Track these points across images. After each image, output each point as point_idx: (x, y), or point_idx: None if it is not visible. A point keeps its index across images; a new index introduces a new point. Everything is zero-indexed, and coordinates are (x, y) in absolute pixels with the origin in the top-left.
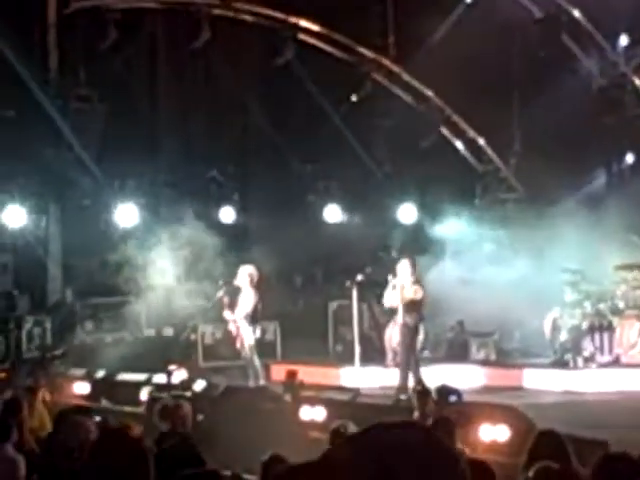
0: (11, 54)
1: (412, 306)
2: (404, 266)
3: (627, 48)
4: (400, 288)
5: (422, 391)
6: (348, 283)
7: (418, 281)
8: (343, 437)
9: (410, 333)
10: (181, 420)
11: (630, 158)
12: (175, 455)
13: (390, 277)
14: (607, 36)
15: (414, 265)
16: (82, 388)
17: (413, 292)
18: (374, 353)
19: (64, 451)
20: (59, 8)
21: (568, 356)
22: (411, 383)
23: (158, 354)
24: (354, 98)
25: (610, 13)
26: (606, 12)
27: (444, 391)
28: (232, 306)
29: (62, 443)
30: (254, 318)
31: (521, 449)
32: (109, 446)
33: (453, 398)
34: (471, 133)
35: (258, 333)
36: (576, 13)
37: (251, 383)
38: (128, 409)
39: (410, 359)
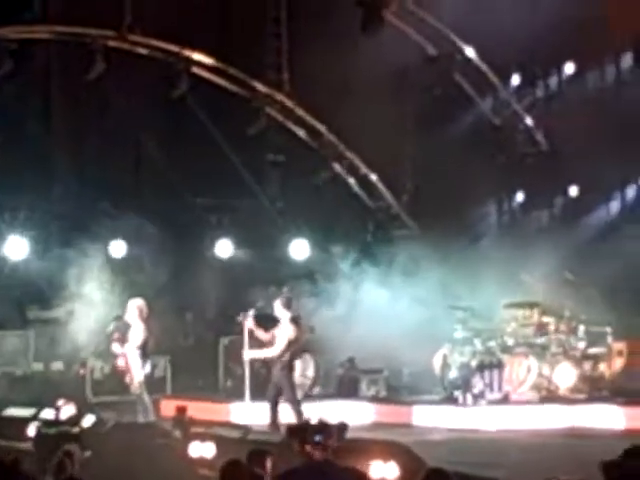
0: None
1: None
2: (277, 306)
3: (519, 87)
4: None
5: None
6: (240, 318)
7: (294, 320)
8: (232, 475)
9: (288, 370)
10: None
11: (520, 196)
12: None
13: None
14: (500, 75)
15: (287, 305)
16: None
17: (287, 329)
18: (264, 389)
19: None
20: None
21: (458, 393)
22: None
23: (47, 388)
24: (249, 132)
25: (503, 53)
26: (499, 52)
27: (342, 427)
28: (123, 340)
29: None
30: (144, 352)
31: None
32: None
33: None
34: (363, 169)
35: (148, 368)
36: (470, 52)
37: (140, 419)
38: (15, 445)
39: (294, 395)
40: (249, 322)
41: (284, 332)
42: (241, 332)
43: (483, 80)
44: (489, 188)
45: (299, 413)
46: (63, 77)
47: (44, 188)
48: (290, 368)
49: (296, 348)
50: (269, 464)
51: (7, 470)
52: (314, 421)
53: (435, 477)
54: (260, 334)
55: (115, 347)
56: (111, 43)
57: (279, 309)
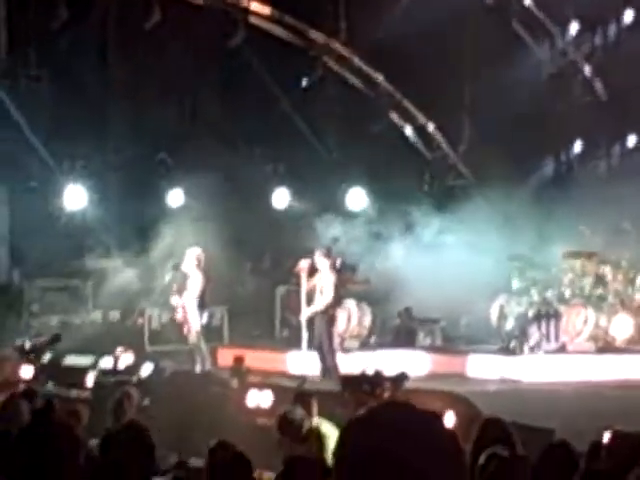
0: None
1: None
2: (316, 254)
3: (577, 36)
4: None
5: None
6: (297, 267)
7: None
8: (290, 423)
9: (332, 318)
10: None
11: (578, 146)
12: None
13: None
14: (557, 23)
15: (327, 255)
16: (27, 372)
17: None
18: None
19: (4, 436)
20: None
21: (514, 343)
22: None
23: (105, 337)
24: (304, 83)
25: (560, 1)
26: (557, 0)
27: (400, 377)
28: (180, 291)
29: (4, 428)
30: (202, 302)
31: (467, 436)
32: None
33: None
34: (421, 119)
35: (205, 318)
36: (527, 1)
37: (198, 368)
38: (74, 393)
39: (332, 345)
40: (304, 271)
41: (327, 281)
42: (297, 282)
43: (540, 29)
44: (547, 138)
45: (334, 364)
46: (119, 27)
47: (100, 138)
48: (332, 318)
49: (339, 294)
50: (314, 407)
51: (48, 422)
52: (370, 371)
53: (492, 426)
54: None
55: (174, 299)
56: None
57: (319, 259)
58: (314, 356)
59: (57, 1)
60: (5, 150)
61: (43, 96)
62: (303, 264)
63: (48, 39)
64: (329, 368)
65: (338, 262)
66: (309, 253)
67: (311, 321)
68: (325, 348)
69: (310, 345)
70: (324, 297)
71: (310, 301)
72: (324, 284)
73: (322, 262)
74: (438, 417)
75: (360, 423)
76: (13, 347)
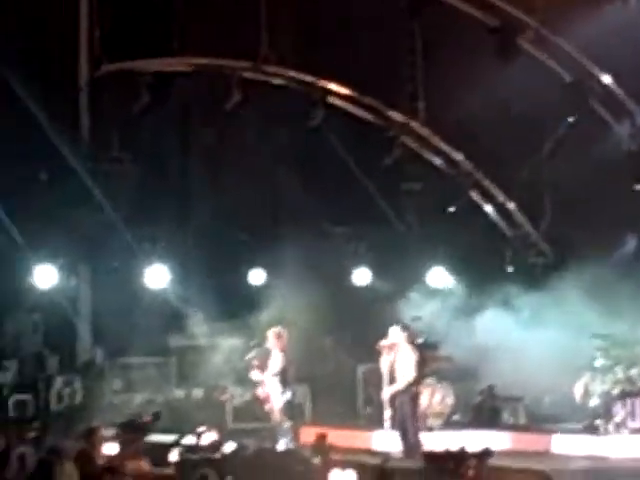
0: (43, 116)
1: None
2: (396, 332)
3: None
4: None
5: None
6: (379, 345)
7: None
8: None
9: (415, 396)
10: None
11: None
12: None
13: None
14: (637, 101)
15: (405, 330)
16: (112, 449)
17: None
18: None
19: None
20: (91, 70)
21: (599, 422)
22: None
23: (188, 415)
24: (385, 162)
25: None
26: (636, 77)
27: (485, 453)
28: (262, 368)
29: None
30: (284, 380)
31: None
32: None
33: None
34: (501, 197)
35: (288, 395)
36: (606, 78)
37: (281, 445)
38: (157, 470)
39: (414, 423)
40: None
41: (407, 356)
42: (379, 360)
43: (620, 106)
44: (628, 215)
45: (417, 441)
46: (200, 110)
47: (182, 219)
48: (415, 395)
49: (421, 371)
50: None
51: None
52: (453, 449)
53: None
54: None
55: (255, 374)
56: (247, 74)
57: (397, 335)
58: (397, 434)
59: (139, 84)
60: (88, 231)
61: (125, 178)
62: (384, 342)
63: (130, 122)
64: (412, 446)
65: (419, 340)
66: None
67: (393, 399)
68: (408, 426)
69: (392, 423)
70: (405, 375)
71: (392, 379)
72: (404, 362)
73: (401, 339)
74: None
75: None
76: (117, 425)
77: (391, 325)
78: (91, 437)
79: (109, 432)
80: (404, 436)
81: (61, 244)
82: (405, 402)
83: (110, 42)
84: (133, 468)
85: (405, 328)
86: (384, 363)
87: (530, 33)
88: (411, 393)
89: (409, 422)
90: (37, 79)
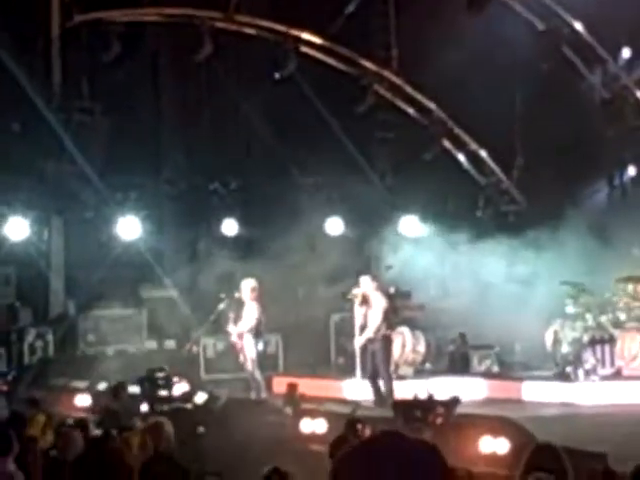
0: (15, 67)
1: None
2: (365, 282)
3: (629, 61)
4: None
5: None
6: (350, 295)
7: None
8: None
9: (388, 344)
10: (164, 440)
11: (632, 170)
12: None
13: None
14: (609, 49)
15: (376, 278)
16: (83, 400)
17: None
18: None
19: (60, 464)
20: (62, 21)
21: (569, 369)
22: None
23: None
24: (358, 110)
25: (612, 26)
26: (608, 25)
27: (453, 401)
28: (236, 320)
29: (59, 456)
30: (257, 331)
31: (520, 462)
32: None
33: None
34: (473, 145)
35: (261, 346)
36: (578, 26)
37: (253, 396)
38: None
39: (387, 370)
40: (356, 299)
41: (376, 305)
42: (351, 309)
43: (592, 54)
44: (600, 163)
45: (390, 390)
46: (172, 59)
47: (154, 169)
48: (387, 342)
49: (392, 320)
50: (366, 434)
51: (102, 450)
52: (422, 396)
53: (544, 452)
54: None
55: (230, 327)
56: (219, 24)
57: (367, 284)
58: (369, 383)
59: (110, 35)
60: (60, 182)
61: (97, 129)
62: (355, 291)
63: (101, 73)
64: (385, 393)
65: (391, 289)
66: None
67: (364, 348)
68: (381, 374)
69: (364, 372)
70: (376, 323)
71: (363, 329)
72: (375, 311)
73: (371, 288)
74: (431, 447)
75: (354, 452)
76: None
77: (362, 275)
78: (118, 394)
79: (82, 384)
80: (376, 385)
81: (33, 196)
82: (377, 350)
83: None
84: None
85: (375, 277)
86: (357, 313)
87: None
88: (383, 342)
89: (382, 370)
90: (8, 30)
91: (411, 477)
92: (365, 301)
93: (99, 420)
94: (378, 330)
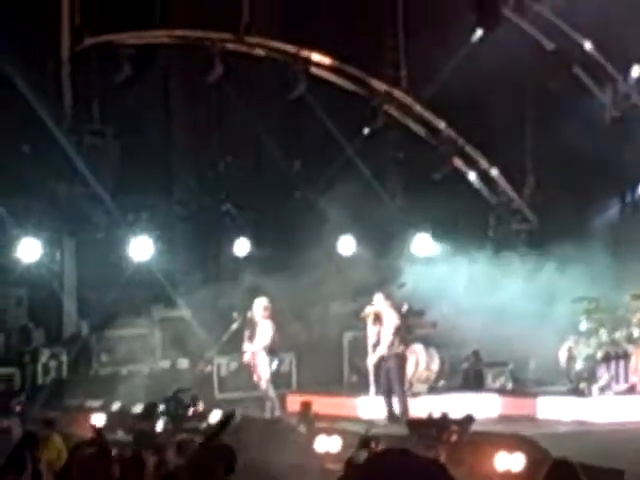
0: (26, 89)
1: (396, 334)
2: (379, 299)
3: (639, 79)
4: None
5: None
6: (363, 313)
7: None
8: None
9: (402, 362)
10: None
11: None
12: None
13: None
14: (619, 67)
15: (388, 296)
16: (98, 420)
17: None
18: None
19: None
20: (72, 44)
21: (583, 385)
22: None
23: (174, 386)
24: (367, 130)
25: (622, 45)
26: (618, 44)
27: (467, 420)
28: (250, 338)
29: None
30: (271, 350)
31: (536, 478)
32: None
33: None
34: (484, 164)
35: (275, 365)
36: (587, 45)
37: (267, 414)
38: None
39: (402, 388)
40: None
41: (389, 322)
42: (365, 327)
43: (602, 73)
44: (611, 181)
45: (405, 408)
46: (182, 81)
47: (166, 190)
48: (402, 360)
49: (405, 338)
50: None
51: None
52: (436, 414)
53: (560, 468)
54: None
55: (245, 345)
56: (229, 46)
57: (380, 301)
58: (383, 401)
59: (121, 57)
60: (72, 204)
61: (108, 151)
62: (368, 309)
63: (112, 95)
64: (399, 411)
65: (404, 307)
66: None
67: (378, 366)
68: (395, 392)
69: (378, 389)
70: (390, 341)
71: (376, 346)
72: (388, 328)
73: (384, 306)
74: (440, 466)
75: (359, 470)
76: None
77: (376, 293)
78: (152, 414)
79: (97, 404)
80: (390, 402)
81: (45, 217)
82: (392, 368)
83: (92, 14)
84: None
85: (388, 295)
86: (370, 331)
87: (512, 1)
88: (397, 359)
89: (396, 388)
90: (19, 52)
91: None
92: (378, 319)
93: (134, 441)
94: (391, 347)
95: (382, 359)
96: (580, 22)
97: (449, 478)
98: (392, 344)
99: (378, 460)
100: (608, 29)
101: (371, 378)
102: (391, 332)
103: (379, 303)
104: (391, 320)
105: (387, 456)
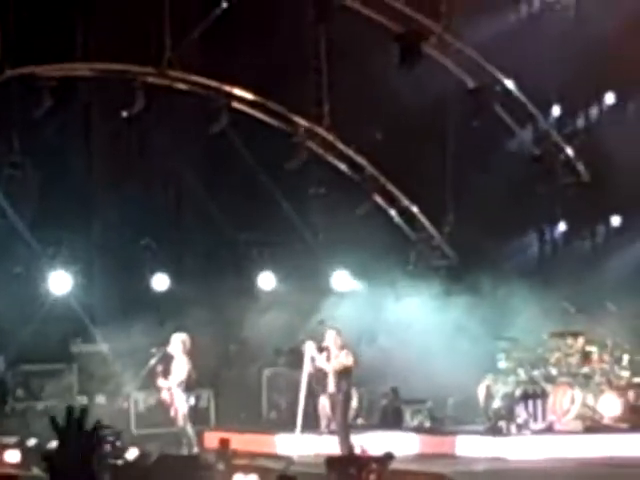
0: None
1: (344, 373)
2: (330, 336)
3: (559, 118)
4: (328, 357)
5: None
6: (285, 350)
7: (345, 348)
8: None
9: (345, 400)
10: None
11: (562, 226)
12: None
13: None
14: (540, 106)
15: (339, 334)
16: (13, 456)
17: (344, 359)
18: (309, 420)
19: None
20: None
21: (501, 423)
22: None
23: (90, 422)
24: (289, 166)
25: (542, 84)
26: (539, 83)
27: (386, 457)
28: (166, 374)
29: None
30: (187, 386)
31: None
32: None
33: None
34: (404, 201)
35: (192, 401)
36: (509, 84)
37: (184, 451)
38: None
39: (346, 425)
40: (310, 350)
41: (346, 361)
42: (284, 364)
43: (523, 111)
44: (531, 218)
45: (347, 442)
46: (103, 114)
47: (85, 224)
48: (348, 398)
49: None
50: None
51: None
52: (356, 452)
53: None
54: (322, 362)
55: (160, 381)
56: (151, 79)
57: (333, 339)
58: (337, 437)
59: (42, 89)
60: None
61: (27, 183)
62: (309, 345)
63: (32, 127)
64: (348, 447)
65: (324, 343)
66: (308, 335)
67: (334, 403)
68: (341, 428)
69: (329, 427)
70: (345, 378)
71: (319, 383)
72: (341, 365)
73: (337, 342)
74: None
75: None
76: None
77: (296, 329)
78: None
79: (12, 440)
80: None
81: None
82: (339, 405)
83: (13, 46)
84: None
85: (339, 332)
86: (305, 365)
87: (433, 39)
88: (346, 396)
89: (342, 425)
90: None
91: None
92: (321, 354)
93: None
94: (348, 386)
95: (330, 396)
96: (501, 61)
97: None
98: (347, 381)
99: None
100: (529, 68)
101: (300, 414)
102: (345, 369)
103: (331, 339)
104: (343, 357)
105: None
